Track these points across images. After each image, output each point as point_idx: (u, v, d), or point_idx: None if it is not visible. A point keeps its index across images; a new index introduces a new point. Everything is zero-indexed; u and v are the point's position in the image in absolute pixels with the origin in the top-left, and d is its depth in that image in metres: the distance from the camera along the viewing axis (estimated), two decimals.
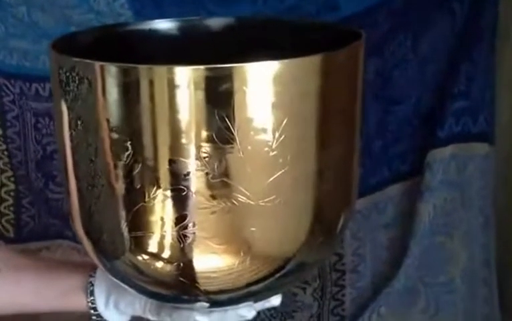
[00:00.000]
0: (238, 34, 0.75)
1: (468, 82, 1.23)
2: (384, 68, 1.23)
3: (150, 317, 0.75)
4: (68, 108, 0.59)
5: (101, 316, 0.79)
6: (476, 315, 1.34)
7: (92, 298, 0.78)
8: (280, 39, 0.74)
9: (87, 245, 0.65)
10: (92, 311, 0.79)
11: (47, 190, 1.29)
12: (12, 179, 1.31)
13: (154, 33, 0.75)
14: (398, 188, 1.31)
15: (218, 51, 0.72)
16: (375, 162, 1.28)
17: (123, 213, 0.58)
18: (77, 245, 1.29)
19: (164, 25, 0.76)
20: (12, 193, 1.32)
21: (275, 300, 0.71)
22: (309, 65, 0.56)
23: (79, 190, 0.62)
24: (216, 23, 0.76)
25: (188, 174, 0.55)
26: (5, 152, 1.28)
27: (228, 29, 0.76)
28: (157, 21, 0.75)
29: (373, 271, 1.33)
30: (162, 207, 0.56)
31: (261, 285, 0.61)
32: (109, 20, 1.18)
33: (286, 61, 0.54)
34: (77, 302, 0.79)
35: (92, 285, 0.79)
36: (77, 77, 0.56)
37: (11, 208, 1.32)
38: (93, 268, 0.79)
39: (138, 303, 0.76)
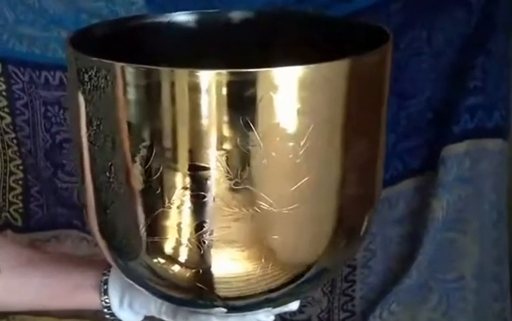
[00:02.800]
0: (258, 27, 0.74)
1: (484, 77, 1.22)
2: (398, 61, 1.21)
3: (165, 319, 0.74)
4: (86, 107, 0.57)
5: (114, 315, 0.78)
6: (487, 312, 1.33)
7: (106, 297, 0.77)
8: (300, 33, 0.73)
9: (101, 243, 0.64)
10: (106, 310, 0.78)
11: (56, 179, 1.28)
12: (21, 168, 1.30)
13: (172, 26, 0.73)
14: (409, 184, 1.30)
15: (238, 44, 0.71)
16: (387, 156, 1.26)
17: (141, 217, 0.57)
18: (86, 236, 1.28)
19: (182, 17, 0.74)
20: (20, 182, 1.31)
21: (294, 305, 0.70)
22: (336, 69, 0.54)
23: (95, 189, 0.60)
24: (235, 15, 0.74)
25: (209, 179, 0.53)
26: (14, 141, 1.27)
27: (248, 22, 0.74)
28: (176, 13, 0.73)
29: (384, 267, 1.32)
30: (181, 213, 0.55)
31: (280, 292, 0.60)
32: (120, 8, 1.17)
33: (312, 66, 0.52)
34: (89, 300, 0.78)
35: (106, 283, 0.77)
36: (96, 77, 0.55)
37: (20, 197, 1.31)
38: (107, 266, 0.77)
39: (153, 305, 0.75)
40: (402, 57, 1.21)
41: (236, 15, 0.75)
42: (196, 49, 0.72)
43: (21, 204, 1.32)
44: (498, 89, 1.23)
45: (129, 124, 0.54)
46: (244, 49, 0.70)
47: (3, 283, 0.79)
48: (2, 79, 1.22)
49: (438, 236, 1.26)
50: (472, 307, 1.32)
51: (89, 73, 0.55)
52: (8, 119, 1.25)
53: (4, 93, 1.23)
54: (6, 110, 1.25)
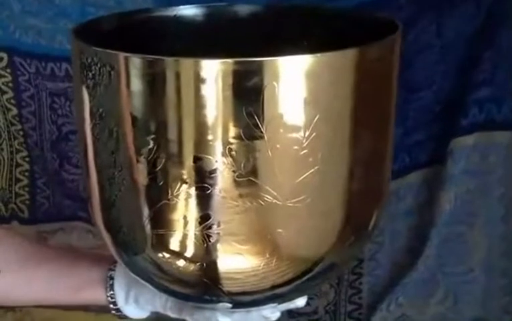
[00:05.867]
0: (265, 21, 0.73)
1: (493, 70, 1.21)
2: (407, 54, 1.20)
3: (170, 314, 0.74)
4: (90, 98, 0.57)
5: (120, 311, 0.78)
6: (494, 306, 1.33)
7: (112, 292, 0.77)
8: (308, 27, 0.72)
9: (106, 237, 0.63)
10: (111, 305, 0.77)
11: (62, 171, 1.28)
12: (27, 159, 1.29)
13: (179, 19, 0.72)
14: (417, 176, 1.29)
15: (245, 39, 0.70)
16: (395, 149, 1.25)
17: (145, 210, 0.56)
18: (91, 228, 1.28)
19: (189, 11, 0.73)
20: (27, 173, 1.30)
21: (301, 301, 0.69)
22: (343, 59, 0.53)
23: (99, 182, 0.60)
24: (243, 9, 0.74)
25: (213, 171, 0.53)
26: (20, 132, 1.27)
27: (255, 16, 0.73)
28: (182, 7, 0.73)
29: (392, 260, 1.32)
30: (185, 205, 0.54)
31: (286, 288, 0.59)
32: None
33: (319, 55, 0.51)
34: (95, 296, 0.78)
35: (112, 279, 0.77)
36: (99, 68, 0.54)
37: (26, 189, 1.31)
38: (112, 261, 0.77)
39: (159, 300, 0.74)
40: (411, 50, 1.20)
41: (243, 9, 0.74)
42: (202, 43, 0.71)
43: (27, 196, 1.32)
44: (507, 82, 1.22)
45: (133, 115, 0.53)
46: (251, 43, 0.69)
47: (8, 279, 0.79)
48: (8, 70, 1.22)
49: (445, 229, 1.26)
50: (480, 301, 1.32)
51: (93, 64, 0.55)
52: (14, 111, 1.25)
53: (10, 84, 1.23)
54: (12, 101, 1.24)
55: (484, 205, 1.27)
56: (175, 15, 0.72)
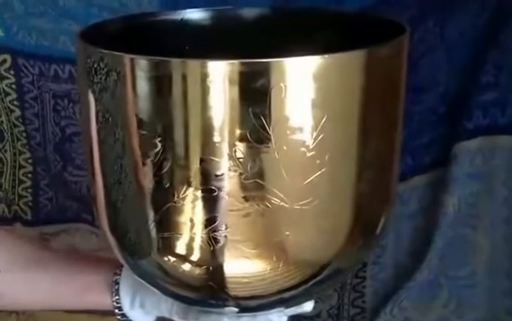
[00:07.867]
0: (272, 24, 0.73)
1: (497, 72, 1.20)
2: (411, 55, 1.19)
3: (176, 319, 0.73)
4: (95, 100, 0.56)
5: (125, 316, 0.77)
6: (498, 309, 1.32)
7: (117, 298, 0.76)
8: (316, 30, 0.72)
9: (111, 240, 0.63)
10: (117, 310, 0.77)
11: (65, 172, 1.28)
12: (30, 161, 1.29)
13: (186, 23, 0.72)
14: (421, 179, 1.28)
15: (252, 42, 0.69)
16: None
17: (150, 212, 0.56)
18: (94, 229, 1.28)
19: (196, 14, 0.73)
20: (30, 175, 1.30)
21: (308, 306, 0.69)
22: (351, 60, 0.53)
23: (105, 185, 0.60)
24: (249, 13, 0.74)
25: (220, 174, 0.52)
26: (23, 134, 1.26)
27: (262, 19, 0.73)
28: (189, 10, 0.73)
29: (395, 263, 1.31)
30: (191, 208, 0.54)
31: (294, 292, 0.58)
32: (131, 1, 1.16)
33: (327, 56, 0.51)
34: (100, 300, 0.77)
35: (117, 283, 0.76)
36: (105, 70, 0.54)
37: (29, 190, 1.31)
38: (117, 265, 0.76)
39: (164, 304, 0.74)
40: (415, 52, 1.20)
41: (250, 12, 0.74)
42: (209, 47, 0.71)
43: (30, 198, 1.32)
44: (511, 85, 1.21)
45: (138, 117, 0.53)
46: (258, 46, 0.68)
47: (11, 283, 0.78)
48: (12, 72, 1.22)
49: (449, 232, 1.25)
50: (483, 303, 1.31)
51: (99, 65, 0.54)
52: (17, 112, 1.25)
53: (13, 86, 1.23)
54: (16, 102, 1.24)
55: (487, 208, 1.27)
56: (182, 19, 0.72)
